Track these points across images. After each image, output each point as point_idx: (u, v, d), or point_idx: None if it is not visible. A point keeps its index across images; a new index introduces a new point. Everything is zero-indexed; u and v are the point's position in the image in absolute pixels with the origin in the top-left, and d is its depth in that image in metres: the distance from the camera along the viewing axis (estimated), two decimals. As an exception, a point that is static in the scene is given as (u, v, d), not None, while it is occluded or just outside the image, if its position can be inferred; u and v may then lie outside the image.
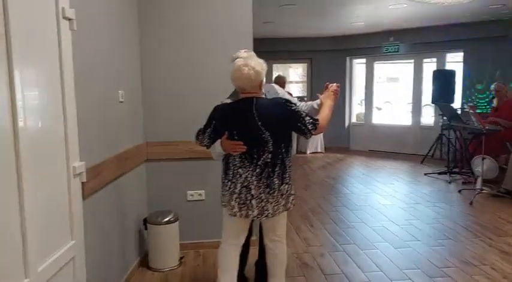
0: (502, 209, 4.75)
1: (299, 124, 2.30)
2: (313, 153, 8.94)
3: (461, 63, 7.91)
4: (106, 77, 2.65)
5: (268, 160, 2.30)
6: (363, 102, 9.63)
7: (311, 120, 2.33)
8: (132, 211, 3.19)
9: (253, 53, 2.59)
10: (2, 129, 1.50)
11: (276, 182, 2.32)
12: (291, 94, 6.35)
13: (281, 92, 2.74)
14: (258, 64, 2.30)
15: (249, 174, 2.31)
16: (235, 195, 2.35)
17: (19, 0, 1.58)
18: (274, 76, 7.46)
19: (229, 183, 2.39)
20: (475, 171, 5.65)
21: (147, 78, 3.45)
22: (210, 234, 3.60)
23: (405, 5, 5.63)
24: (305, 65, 9.97)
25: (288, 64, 10.26)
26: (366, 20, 7.02)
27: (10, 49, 1.51)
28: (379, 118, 9.45)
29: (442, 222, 4.40)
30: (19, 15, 1.57)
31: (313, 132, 2.35)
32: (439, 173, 6.61)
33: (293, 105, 2.35)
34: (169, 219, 3.23)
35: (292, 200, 2.46)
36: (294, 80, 10.46)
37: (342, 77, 9.41)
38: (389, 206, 5.02)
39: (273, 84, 2.84)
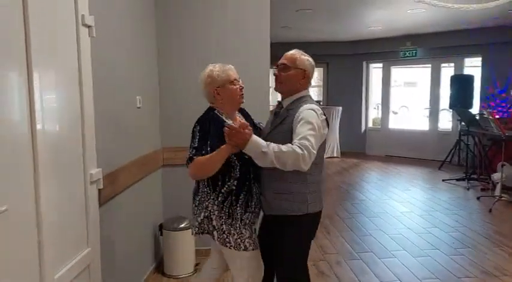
0: (523, 218, 4.64)
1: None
2: (329, 158, 8.88)
3: (480, 68, 7.77)
4: (124, 83, 2.67)
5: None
6: (379, 106, 9.54)
7: (189, 152, 2.00)
8: (148, 217, 3.20)
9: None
10: (21, 134, 1.51)
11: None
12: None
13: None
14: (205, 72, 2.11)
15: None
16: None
17: (40, 7, 1.60)
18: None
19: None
20: (493, 178, 5.53)
21: (164, 85, 3.46)
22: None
23: (424, 10, 5.56)
24: (321, 69, 9.92)
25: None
26: (383, 24, 6.95)
27: (30, 54, 1.53)
28: (395, 123, 9.34)
29: (460, 230, 4.30)
30: (40, 21, 1.59)
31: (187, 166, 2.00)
32: (457, 180, 6.49)
33: (197, 126, 2.05)
34: (184, 225, 3.23)
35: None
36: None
37: (358, 81, 9.36)
38: (406, 213, 4.93)
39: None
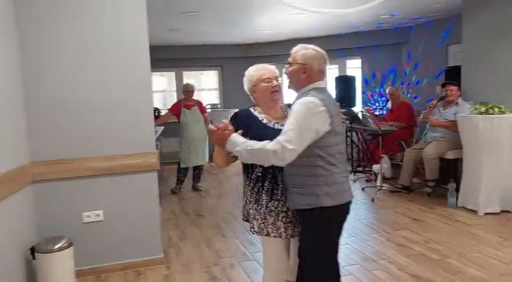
0: (399, 204, 5.10)
1: None
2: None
3: (360, 69, 8.45)
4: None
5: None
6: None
7: None
8: (16, 241, 2.87)
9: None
10: None
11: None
12: (200, 102, 6.35)
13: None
14: None
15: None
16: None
17: None
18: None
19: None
20: (373, 170, 6.02)
21: (31, 93, 3.14)
22: (111, 257, 3.39)
23: (305, 15, 5.84)
24: (216, 72, 9.96)
25: (199, 71, 10.17)
26: (271, 28, 7.18)
27: None
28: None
29: (347, 220, 4.57)
30: None
31: None
32: (345, 173, 6.94)
33: None
34: (61, 246, 2.96)
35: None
36: (207, 87, 10.39)
37: (252, 83, 9.54)
38: (298, 209, 5.12)
39: None
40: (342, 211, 2.11)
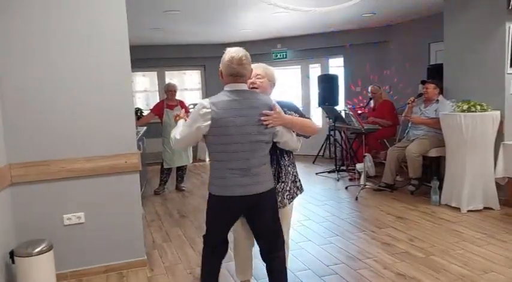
0: (382, 202, 5.13)
1: None
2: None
3: (343, 68, 8.48)
4: None
5: None
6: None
7: None
8: (-6, 245, 2.78)
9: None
10: None
11: None
12: (182, 102, 6.28)
13: None
14: None
15: None
16: None
17: None
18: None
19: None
20: (357, 168, 6.05)
21: (5, 93, 3.04)
22: (93, 260, 3.32)
23: (286, 13, 5.83)
24: (199, 72, 9.88)
25: (182, 71, 10.07)
26: (253, 27, 7.15)
27: None
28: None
29: (331, 219, 4.60)
30: None
31: None
32: (329, 172, 6.98)
33: None
34: (41, 249, 2.87)
35: None
36: (189, 87, 10.29)
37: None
38: (283, 209, 5.11)
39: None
40: (225, 202, 2.34)
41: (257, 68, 2.51)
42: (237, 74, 2.26)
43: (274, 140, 2.40)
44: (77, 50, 3.18)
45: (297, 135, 2.50)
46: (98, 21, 3.22)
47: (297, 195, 2.67)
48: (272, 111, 2.29)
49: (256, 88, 2.46)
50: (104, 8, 3.23)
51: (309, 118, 2.59)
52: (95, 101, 3.25)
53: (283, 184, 2.57)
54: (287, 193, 2.59)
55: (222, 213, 2.42)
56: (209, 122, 2.21)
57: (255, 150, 2.29)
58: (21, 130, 3.09)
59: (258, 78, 2.49)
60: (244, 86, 2.32)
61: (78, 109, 3.21)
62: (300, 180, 2.70)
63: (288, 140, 2.44)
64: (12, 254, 2.88)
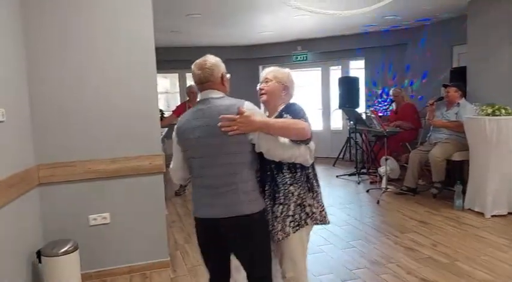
0: (405, 206, 5.06)
1: None
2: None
3: (363, 70, 8.41)
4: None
5: None
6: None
7: None
8: (23, 244, 2.85)
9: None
10: None
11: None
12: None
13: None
14: None
15: None
16: None
17: None
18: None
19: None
20: (380, 171, 5.98)
21: (36, 95, 3.12)
22: (117, 260, 3.37)
23: (308, 16, 5.82)
24: (219, 74, 9.93)
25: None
26: (273, 29, 7.15)
27: None
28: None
29: (352, 223, 4.56)
30: None
31: None
32: (349, 175, 6.92)
33: None
34: (67, 249, 2.93)
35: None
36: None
37: (255, 85, 9.47)
38: (303, 212, 5.09)
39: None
40: (198, 225, 2.10)
41: (267, 72, 2.32)
42: (199, 80, 2.04)
43: (257, 151, 2.00)
44: (105, 52, 3.25)
45: (296, 142, 2.04)
46: (126, 24, 3.28)
47: (306, 223, 2.14)
48: (235, 116, 1.89)
49: (264, 94, 2.26)
50: (132, 11, 3.29)
51: (303, 119, 2.07)
52: (121, 103, 3.31)
53: (282, 207, 2.10)
54: (290, 219, 2.10)
55: (199, 238, 2.14)
56: (176, 139, 2.08)
57: (223, 165, 1.94)
58: (49, 131, 3.17)
59: (265, 83, 2.28)
60: (212, 93, 2.03)
61: (104, 111, 3.28)
62: (313, 206, 2.17)
63: (271, 148, 1.97)
64: (39, 254, 2.94)
